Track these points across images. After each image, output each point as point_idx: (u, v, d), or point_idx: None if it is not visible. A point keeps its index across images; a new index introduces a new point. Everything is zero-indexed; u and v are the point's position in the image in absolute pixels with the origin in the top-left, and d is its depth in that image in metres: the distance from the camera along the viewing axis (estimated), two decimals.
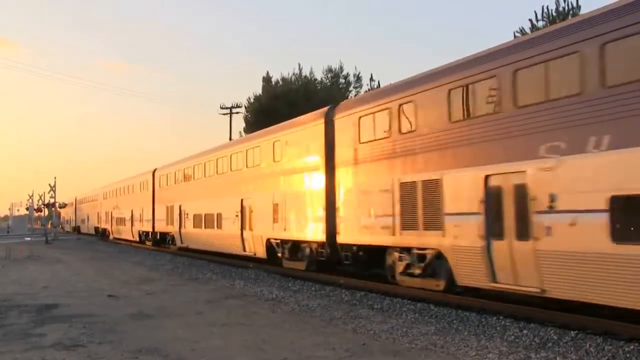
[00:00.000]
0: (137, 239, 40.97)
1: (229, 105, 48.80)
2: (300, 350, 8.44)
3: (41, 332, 10.00)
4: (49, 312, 12.25)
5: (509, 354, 7.98)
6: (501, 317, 10.35)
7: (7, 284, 17.86)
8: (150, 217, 36.53)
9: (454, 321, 10.38)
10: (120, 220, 46.31)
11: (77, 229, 75.74)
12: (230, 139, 45.94)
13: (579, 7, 27.74)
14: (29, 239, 55.51)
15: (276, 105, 42.64)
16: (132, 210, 41.84)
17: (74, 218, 79.75)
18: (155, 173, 36.53)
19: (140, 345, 8.86)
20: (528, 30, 27.41)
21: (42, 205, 70.68)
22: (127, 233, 43.94)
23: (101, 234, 56.60)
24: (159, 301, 13.66)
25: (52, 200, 60.48)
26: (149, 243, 38.33)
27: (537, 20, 28.09)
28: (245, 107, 48.21)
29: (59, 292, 15.59)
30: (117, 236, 48.54)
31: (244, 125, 48.59)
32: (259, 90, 48.31)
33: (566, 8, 27.98)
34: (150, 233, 37.53)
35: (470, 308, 11.32)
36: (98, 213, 57.55)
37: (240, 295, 14.54)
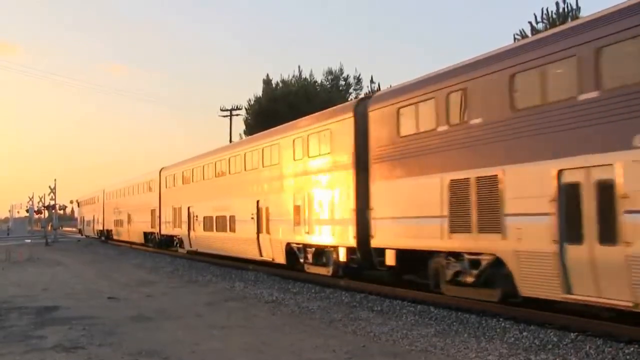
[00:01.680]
0: (282, 260, 19.15)
1: (229, 107, 48.90)
2: (300, 353, 8.44)
3: (41, 334, 10.01)
4: (49, 314, 12.26)
5: (509, 356, 7.98)
6: (501, 319, 10.35)
7: (7, 286, 17.86)
8: (348, 205, 15.45)
9: (454, 323, 10.38)
10: (217, 222, 24.66)
11: (106, 234, 52.56)
12: (230, 141, 45.93)
13: (578, 8, 27.75)
14: (29, 241, 55.51)
15: (276, 107, 42.65)
16: (258, 202, 20.68)
17: (101, 219, 54.52)
18: (370, 109, 14.90)
19: (140, 347, 8.86)
20: (528, 33, 27.41)
21: (42, 207, 69.33)
22: (243, 246, 22.00)
23: (160, 244, 34.70)
24: (159, 303, 13.65)
25: (52, 202, 60.52)
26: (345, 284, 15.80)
27: (537, 23, 28.10)
28: (245, 109, 48.26)
29: (59, 294, 15.60)
30: (204, 249, 26.83)
31: (244, 127, 48.67)
32: (259, 92, 48.40)
33: (566, 9, 27.98)
34: (350, 249, 15.54)
35: (470, 310, 11.32)
36: (153, 211, 35.37)
37: (240, 298, 14.53)
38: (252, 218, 21.03)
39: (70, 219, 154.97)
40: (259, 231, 20.63)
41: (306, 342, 9.12)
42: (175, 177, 32.12)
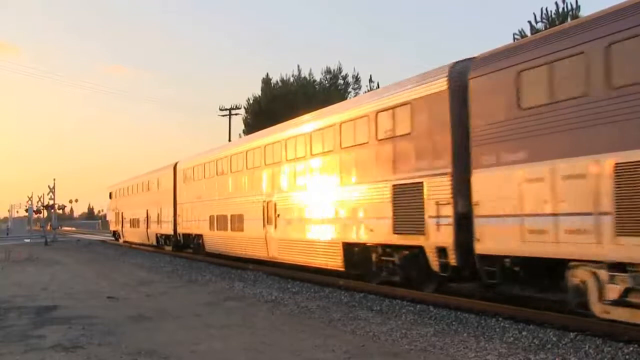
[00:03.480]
0: None
1: (228, 107, 48.94)
2: (299, 352, 8.45)
3: (40, 334, 10.00)
4: (48, 313, 12.25)
5: (508, 356, 7.98)
6: (500, 319, 10.36)
7: (7, 285, 17.84)
8: None
9: (453, 322, 10.38)
10: None
11: (181, 243, 30.77)
12: (229, 140, 45.94)
13: (578, 7, 27.74)
14: (28, 240, 55.53)
15: (275, 107, 42.64)
16: None
17: (168, 216, 32.22)
18: None
19: (140, 347, 8.86)
20: (528, 33, 27.40)
21: (42, 207, 69.01)
22: None
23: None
24: (158, 303, 13.66)
25: (51, 202, 60.49)
26: None
27: (537, 22, 28.09)
28: (245, 108, 48.28)
29: (58, 294, 15.58)
30: None
31: (243, 127, 48.64)
32: (258, 92, 48.39)
33: (566, 9, 27.96)
34: None
35: (470, 309, 11.33)
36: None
37: (239, 297, 14.54)
38: None
39: (69, 218, 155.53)
40: None
41: (305, 342, 9.12)
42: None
